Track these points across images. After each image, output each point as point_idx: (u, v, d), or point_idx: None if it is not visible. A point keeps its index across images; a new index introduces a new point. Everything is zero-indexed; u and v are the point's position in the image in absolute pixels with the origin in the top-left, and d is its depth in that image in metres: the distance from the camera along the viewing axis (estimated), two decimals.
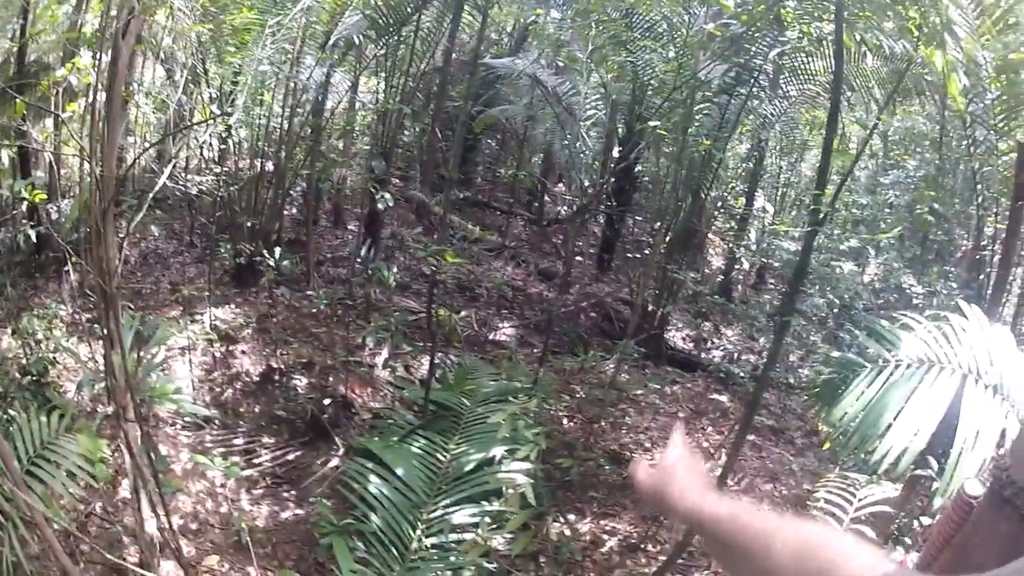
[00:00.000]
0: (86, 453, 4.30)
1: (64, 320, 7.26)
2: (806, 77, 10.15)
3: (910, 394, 3.94)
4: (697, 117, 10.03)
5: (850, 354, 4.94)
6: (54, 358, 6.60)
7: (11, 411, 4.75)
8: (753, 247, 13.33)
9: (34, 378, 5.96)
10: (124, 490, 5.26)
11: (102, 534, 4.94)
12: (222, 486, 6.21)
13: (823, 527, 1.09)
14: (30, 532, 3.76)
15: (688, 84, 8.31)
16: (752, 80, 9.71)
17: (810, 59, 9.77)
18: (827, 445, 6.47)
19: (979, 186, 8.90)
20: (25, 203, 6.86)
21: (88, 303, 7.02)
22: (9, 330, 6.96)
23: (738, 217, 13.49)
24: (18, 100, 5.19)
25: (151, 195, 5.16)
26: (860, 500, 4.79)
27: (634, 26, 9.75)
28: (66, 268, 7.05)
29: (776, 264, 12.70)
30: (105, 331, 4.25)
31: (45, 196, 6.30)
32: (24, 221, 7.43)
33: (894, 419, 3.87)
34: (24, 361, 6.26)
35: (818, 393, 4.86)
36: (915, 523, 4.74)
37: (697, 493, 1.33)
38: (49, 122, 6.40)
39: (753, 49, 9.03)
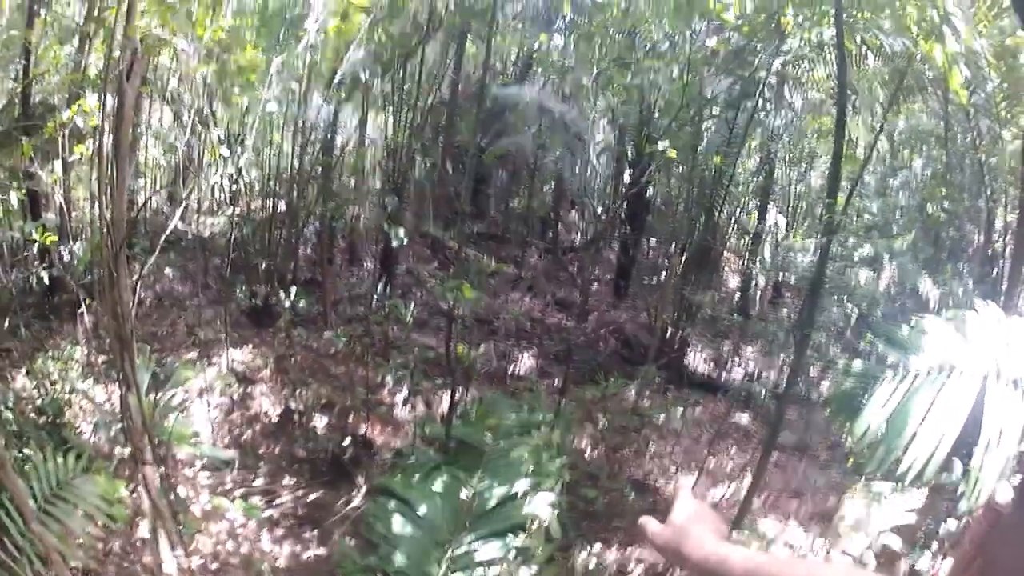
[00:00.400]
0: (104, 494, 4.28)
1: (79, 362, 7.26)
2: (810, 85, 10.13)
3: (932, 400, 3.89)
4: (705, 134, 10.02)
5: (870, 363, 4.88)
6: (69, 399, 6.59)
7: (26, 450, 4.73)
8: (768, 262, 13.29)
9: (49, 419, 5.93)
10: (143, 530, 5.23)
11: (120, 572, 4.90)
12: (242, 526, 6.17)
13: (836, 568, 1.07)
14: (47, 570, 3.73)
15: (695, 102, 8.31)
16: (757, 92, 9.71)
17: (813, 66, 9.76)
18: (851, 461, 6.38)
19: (987, 178, 8.86)
20: (36, 245, 6.88)
21: (103, 345, 7.02)
22: (24, 371, 6.96)
23: (752, 233, 13.45)
24: (24, 142, 5.21)
25: (163, 237, 5.17)
26: (886, 510, 4.72)
27: (637, 47, 9.76)
28: (80, 310, 7.04)
29: (792, 278, 12.65)
30: (120, 374, 4.24)
31: (56, 238, 6.32)
32: (36, 263, 7.44)
33: (919, 425, 3.82)
34: (39, 402, 6.25)
35: (839, 406, 4.80)
36: (940, 529, 4.66)
37: (712, 543, 1.32)
38: (58, 164, 6.42)
39: (756, 61, 9.03)
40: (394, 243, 8.61)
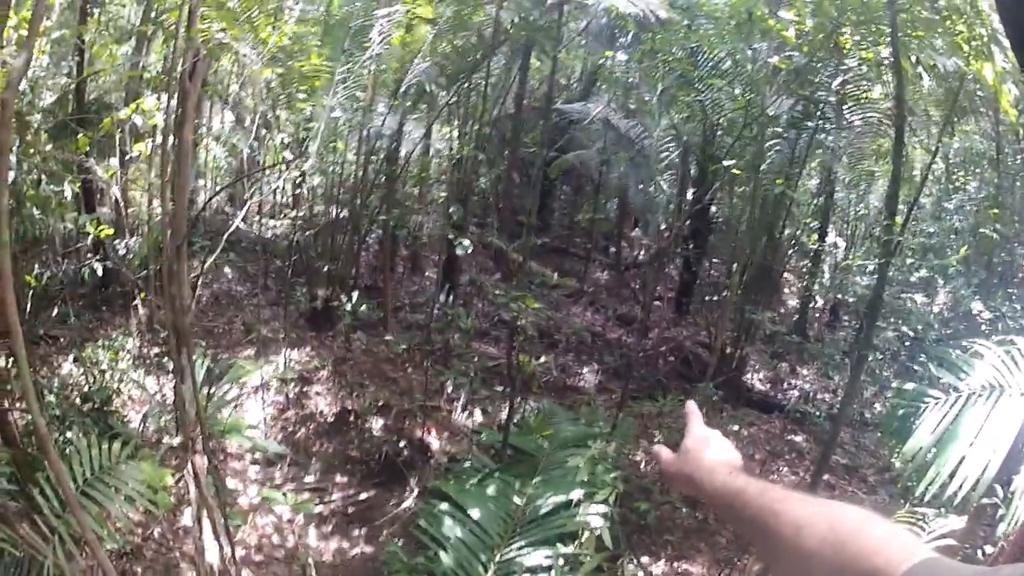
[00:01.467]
0: (148, 480, 4.35)
1: (131, 352, 7.40)
2: (868, 105, 9.98)
3: (980, 423, 3.85)
4: (768, 154, 9.93)
5: (922, 386, 4.82)
6: (118, 388, 6.71)
7: (69, 434, 4.83)
8: (827, 283, 13.11)
9: (96, 406, 6.04)
10: (186, 519, 5.32)
11: (158, 558, 4.99)
12: (289, 521, 6.26)
13: (854, 509, 1.04)
14: (80, 549, 3.81)
15: (757, 121, 8.25)
16: (818, 112, 9.60)
17: (870, 86, 9.61)
18: (899, 484, 6.30)
19: None
20: (90, 237, 7.01)
21: (157, 338, 7.14)
22: (71, 358, 7.11)
23: (811, 254, 13.27)
24: (80, 135, 5.35)
25: (224, 236, 5.29)
26: (929, 534, 4.66)
27: (700, 65, 9.70)
28: (134, 303, 7.18)
29: (850, 300, 12.47)
30: (175, 365, 4.34)
31: (112, 232, 6.46)
32: (89, 255, 7.59)
33: (967, 448, 3.78)
34: (86, 389, 6.38)
35: (890, 428, 4.75)
36: (979, 553, 4.58)
37: (725, 473, 1.30)
38: (114, 160, 6.55)
39: (816, 80, 8.95)
40: (458, 252, 8.67)
